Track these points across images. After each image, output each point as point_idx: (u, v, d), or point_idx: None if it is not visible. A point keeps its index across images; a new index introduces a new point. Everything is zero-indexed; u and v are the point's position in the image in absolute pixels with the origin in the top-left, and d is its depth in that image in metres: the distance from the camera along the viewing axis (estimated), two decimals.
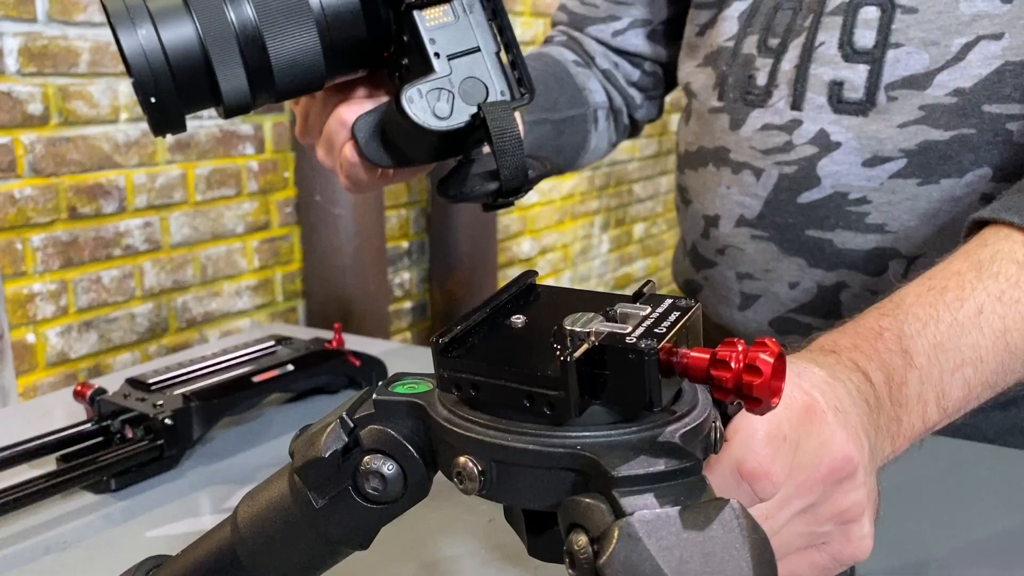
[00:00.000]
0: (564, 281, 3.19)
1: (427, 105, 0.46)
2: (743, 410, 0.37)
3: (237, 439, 0.77)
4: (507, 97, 0.47)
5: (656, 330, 0.30)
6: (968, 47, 0.63)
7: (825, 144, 0.70)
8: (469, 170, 0.51)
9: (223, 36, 0.45)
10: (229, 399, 0.75)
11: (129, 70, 0.46)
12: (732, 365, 0.29)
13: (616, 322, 0.31)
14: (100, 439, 0.72)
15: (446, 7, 0.47)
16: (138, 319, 1.89)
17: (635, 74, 0.87)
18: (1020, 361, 0.50)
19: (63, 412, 0.82)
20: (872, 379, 0.46)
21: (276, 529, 0.35)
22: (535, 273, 0.36)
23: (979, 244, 0.53)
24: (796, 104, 0.70)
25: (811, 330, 0.75)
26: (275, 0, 0.46)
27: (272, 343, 0.85)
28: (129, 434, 0.71)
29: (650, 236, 3.65)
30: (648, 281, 0.34)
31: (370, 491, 0.34)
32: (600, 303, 0.33)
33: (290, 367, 0.80)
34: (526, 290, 0.35)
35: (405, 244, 2.52)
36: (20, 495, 0.62)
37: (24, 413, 0.87)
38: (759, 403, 0.28)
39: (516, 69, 0.48)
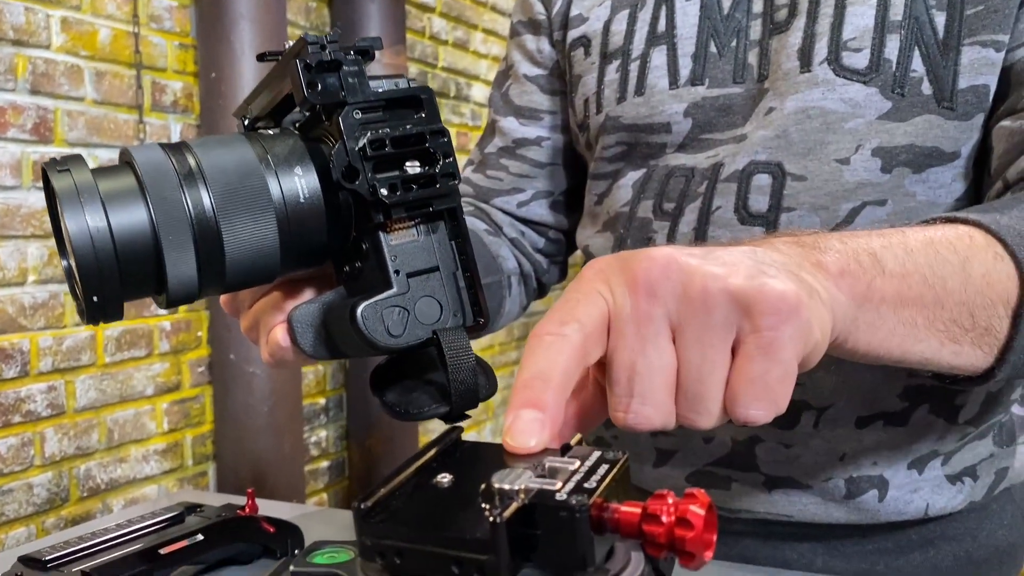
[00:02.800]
0: (486, 432, 3.15)
1: (381, 321, 0.44)
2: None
3: None
4: (460, 320, 0.46)
5: (586, 485, 0.29)
6: (855, 212, 0.67)
7: None
8: (413, 385, 0.48)
9: (177, 223, 0.42)
10: (134, 575, 0.69)
11: (66, 254, 0.43)
12: (664, 519, 0.28)
13: (546, 477, 0.30)
14: None
15: (411, 228, 0.46)
16: (36, 489, 1.78)
17: (540, 241, 0.90)
18: (951, 273, 0.49)
19: None
20: (799, 240, 0.46)
21: None
22: (460, 429, 0.35)
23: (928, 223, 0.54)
24: None
25: (731, 482, 0.74)
26: (235, 189, 0.44)
27: (180, 511, 0.81)
28: None
29: None
30: (575, 434, 0.33)
31: None
32: (528, 457, 0.32)
33: (200, 537, 0.75)
34: (452, 447, 0.35)
35: (322, 401, 2.47)
36: None
37: None
38: (692, 558, 0.28)
39: (472, 290, 0.47)
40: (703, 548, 0.28)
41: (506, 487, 0.29)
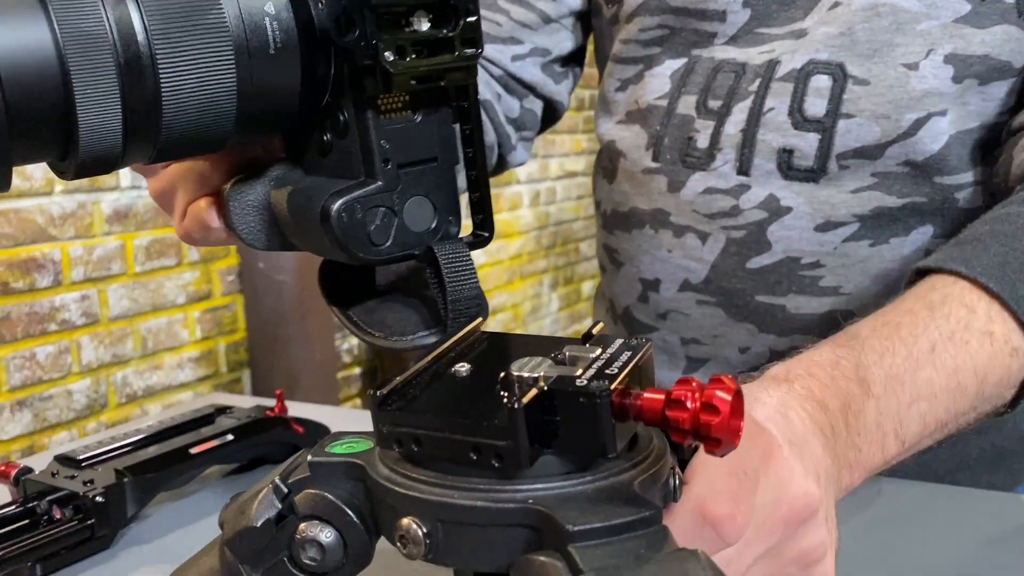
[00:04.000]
0: None
1: (362, 224, 0.34)
2: (702, 450, 0.36)
3: (175, 515, 0.73)
4: (457, 229, 0.37)
5: (607, 371, 0.28)
6: (920, 123, 0.64)
7: (775, 209, 0.68)
8: (391, 299, 0.39)
9: (95, 52, 0.30)
10: (165, 472, 0.71)
11: None
12: (688, 405, 0.27)
13: (566, 365, 0.29)
14: (26, 522, 0.67)
15: (408, 105, 0.35)
16: (75, 396, 1.82)
17: (515, 109, 0.81)
18: (969, 401, 0.51)
19: None
20: (828, 407, 0.45)
21: None
22: (481, 320, 0.34)
23: (928, 288, 0.53)
24: (743, 169, 0.69)
25: None
26: (178, 8, 0.31)
27: (211, 412, 0.82)
28: (57, 515, 0.67)
29: None
30: (597, 322, 0.32)
31: (307, 561, 0.31)
32: (549, 347, 0.31)
33: (229, 437, 0.76)
34: (471, 338, 0.34)
35: None
36: None
37: None
38: (719, 443, 0.27)
39: (477, 191, 0.38)
40: (730, 434, 0.27)
41: (525, 375, 0.28)
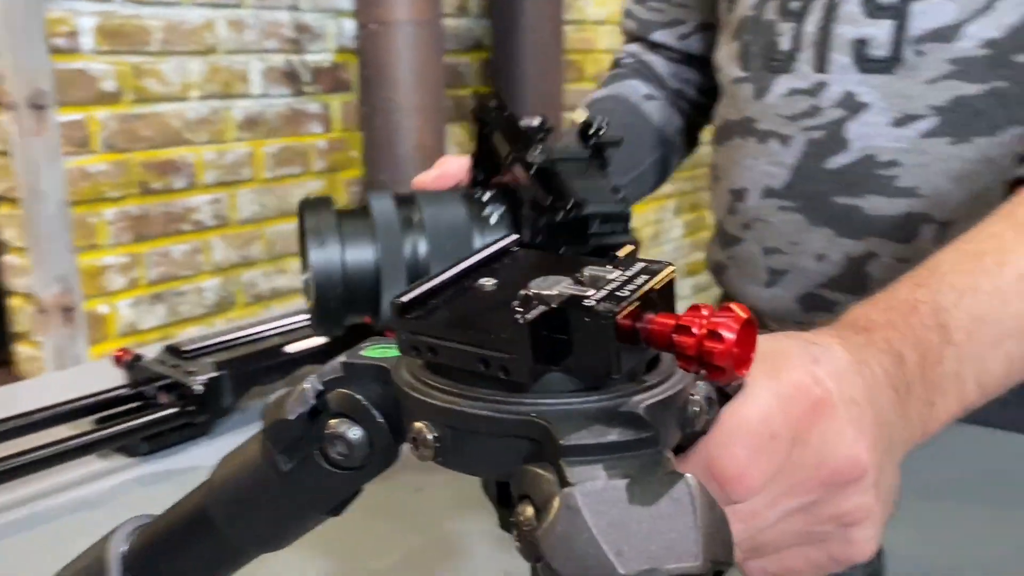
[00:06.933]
0: None
1: None
2: (731, 403, 0.35)
3: None
4: None
5: (619, 293, 0.28)
6: None
7: (852, 106, 0.69)
8: None
9: (396, 263, 0.50)
10: (260, 368, 0.75)
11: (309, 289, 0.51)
12: (695, 331, 0.27)
13: (584, 285, 0.30)
14: (137, 404, 0.73)
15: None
16: (206, 293, 1.94)
17: (700, 78, 0.90)
18: None
19: (110, 378, 0.84)
20: (905, 359, 0.43)
21: (246, 490, 0.35)
22: (517, 237, 0.35)
23: (1018, 203, 0.49)
24: (820, 66, 0.70)
25: (839, 308, 0.72)
26: (448, 240, 0.50)
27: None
28: (163, 400, 0.73)
29: None
30: (624, 245, 0.32)
31: (336, 456, 0.33)
32: (575, 267, 0.32)
33: (323, 340, 0.80)
34: (504, 253, 0.34)
35: None
36: (51, 454, 0.63)
37: (72, 377, 0.90)
38: (723, 372, 0.27)
39: None
40: (733, 363, 0.27)
41: (541, 292, 0.29)
